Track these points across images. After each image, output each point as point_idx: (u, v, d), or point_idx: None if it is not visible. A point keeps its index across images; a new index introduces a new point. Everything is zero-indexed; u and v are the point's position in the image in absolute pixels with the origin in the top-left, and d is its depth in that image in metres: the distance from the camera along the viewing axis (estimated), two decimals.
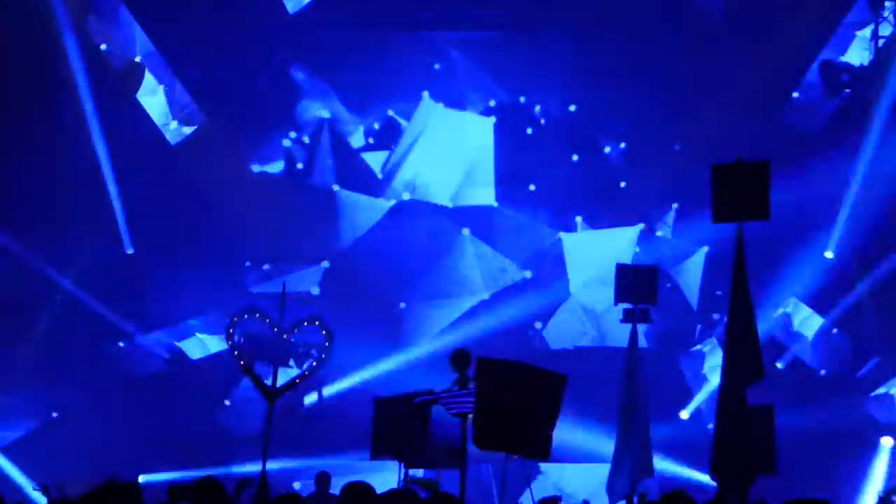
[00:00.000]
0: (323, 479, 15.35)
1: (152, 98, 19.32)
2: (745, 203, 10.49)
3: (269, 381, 11.38)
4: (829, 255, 18.46)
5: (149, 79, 19.23)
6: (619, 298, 14.49)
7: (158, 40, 19.14)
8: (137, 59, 19.18)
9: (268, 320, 11.48)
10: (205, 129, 19.38)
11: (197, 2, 18.77)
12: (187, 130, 19.53)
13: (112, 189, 18.83)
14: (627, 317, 14.39)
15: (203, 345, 19.44)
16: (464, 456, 11.13)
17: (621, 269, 14.87)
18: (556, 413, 10.65)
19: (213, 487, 8.37)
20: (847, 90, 18.24)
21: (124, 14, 19.00)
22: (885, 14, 18.10)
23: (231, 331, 11.36)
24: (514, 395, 10.60)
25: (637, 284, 14.41)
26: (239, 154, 19.57)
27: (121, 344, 19.10)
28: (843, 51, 18.36)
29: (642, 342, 16.03)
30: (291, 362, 11.48)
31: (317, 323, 11.72)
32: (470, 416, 10.99)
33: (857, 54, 18.27)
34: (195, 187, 19.01)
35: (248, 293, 19.22)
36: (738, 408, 10.65)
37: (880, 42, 18.02)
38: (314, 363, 11.47)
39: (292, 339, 11.41)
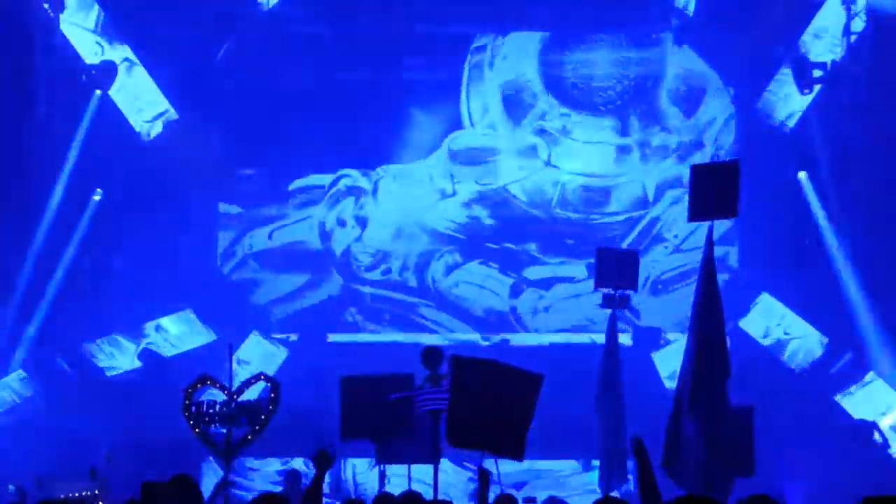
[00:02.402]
0: (292, 478, 15.74)
1: (124, 94, 19.21)
2: (716, 202, 10.65)
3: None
4: None
5: (122, 75, 19.04)
6: (599, 283, 14.41)
7: (131, 36, 19.04)
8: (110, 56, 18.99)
9: (218, 385, 12.03)
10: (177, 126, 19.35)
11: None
12: (159, 128, 19.52)
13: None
14: (607, 302, 14.25)
15: (175, 342, 19.64)
16: (437, 453, 11.37)
17: (602, 253, 14.79)
18: (531, 413, 10.61)
19: (188, 485, 8.37)
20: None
21: (97, 11, 18.89)
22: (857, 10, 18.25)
23: (187, 402, 11.81)
24: (489, 394, 10.58)
25: (618, 269, 14.27)
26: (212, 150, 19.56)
27: (95, 342, 19.15)
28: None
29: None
30: (244, 421, 11.81)
31: (262, 378, 12.23)
32: (443, 413, 11.05)
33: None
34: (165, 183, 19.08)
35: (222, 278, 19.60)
36: (720, 408, 10.68)
37: (852, 38, 18.21)
38: (264, 417, 11.89)
39: (242, 400, 11.89)
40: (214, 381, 12.02)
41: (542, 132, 20.07)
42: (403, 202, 20.21)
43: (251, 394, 12.02)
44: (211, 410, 11.73)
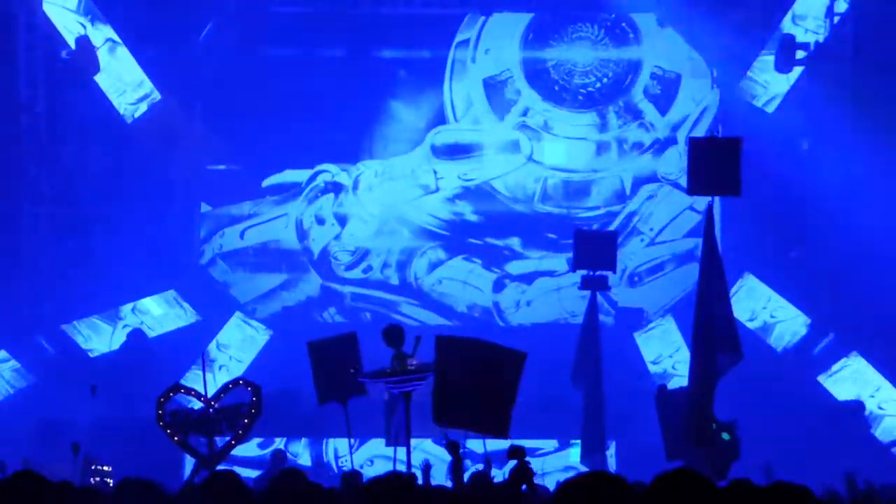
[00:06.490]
0: (279, 457, 15.59)
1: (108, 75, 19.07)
2: (718, 178, 10.72)
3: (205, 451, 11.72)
4: None
5: (104, 57, 18.92)
6: (577, 265, 14.66)
7: (113, 17, 18.91)
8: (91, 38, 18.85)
9: (193, 393, 11.76)
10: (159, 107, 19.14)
11: None
12: (143, 109, 19.29)
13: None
14: (585, 283, 14.50)
15: (159, 322, 19.38)
16: (408, 434, 11.32)
17: (580, 235, 15.07)
18: (515, 391, 10.66)
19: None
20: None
21: None
22: None
23: (160, 412, 11.45)
24: (474, 372, 10.59)
25: (596, 250, 14.53)
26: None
27: (76, 322, 18.89)
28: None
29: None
30: (224, 427, 11.59)
31: (241, 383, 11.98)
32: (411, 393, 11.28)
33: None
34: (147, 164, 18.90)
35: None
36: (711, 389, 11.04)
37: (835, 20, 18.50)
38: (246, 421, 11.67)
39: (220, 406, 11.62)
40: (188, 389, 11.79)
41: (524, 127, 20.12)
42: (385, 198, 20.01)
43: (229, 400, 11.78)
44: (188, 419, 11.49)
